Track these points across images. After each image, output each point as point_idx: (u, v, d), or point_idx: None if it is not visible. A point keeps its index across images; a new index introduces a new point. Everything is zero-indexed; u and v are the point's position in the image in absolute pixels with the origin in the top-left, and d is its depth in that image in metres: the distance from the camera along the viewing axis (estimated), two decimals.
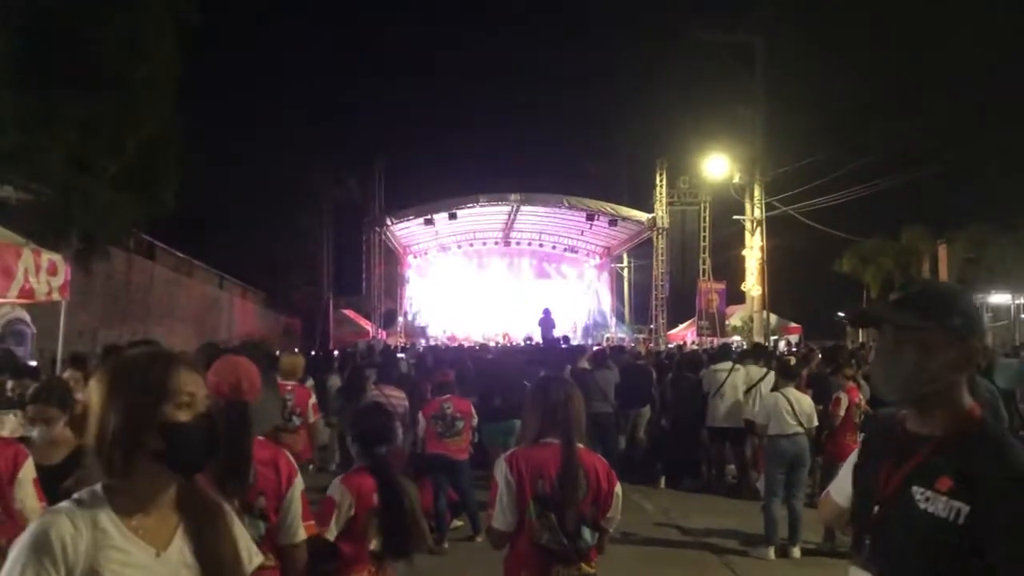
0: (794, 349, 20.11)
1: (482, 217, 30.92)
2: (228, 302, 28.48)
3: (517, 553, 3.33)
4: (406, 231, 30.56)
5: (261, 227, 30.45)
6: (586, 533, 3.27)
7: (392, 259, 32.01)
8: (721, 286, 27.28)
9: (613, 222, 29.47)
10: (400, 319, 32.30)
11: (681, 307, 28.76)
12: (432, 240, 32.38)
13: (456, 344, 25.13)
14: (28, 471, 3.67)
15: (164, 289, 20.89)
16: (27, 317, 10.01)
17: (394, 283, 32.69)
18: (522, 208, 29.84)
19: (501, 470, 3.34)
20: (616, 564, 4.97)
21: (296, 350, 12.42)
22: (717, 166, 25.43)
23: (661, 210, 28.05)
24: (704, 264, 27.70)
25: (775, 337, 25.67)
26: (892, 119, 31.26)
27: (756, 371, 10.37)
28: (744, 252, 24.91)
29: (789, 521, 7.59)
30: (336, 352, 18.75)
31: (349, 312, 31.56)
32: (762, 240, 24.21)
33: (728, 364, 10.62)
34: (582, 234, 33.13)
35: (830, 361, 10.56)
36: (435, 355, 15.14)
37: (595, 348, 15.09)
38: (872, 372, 2.12)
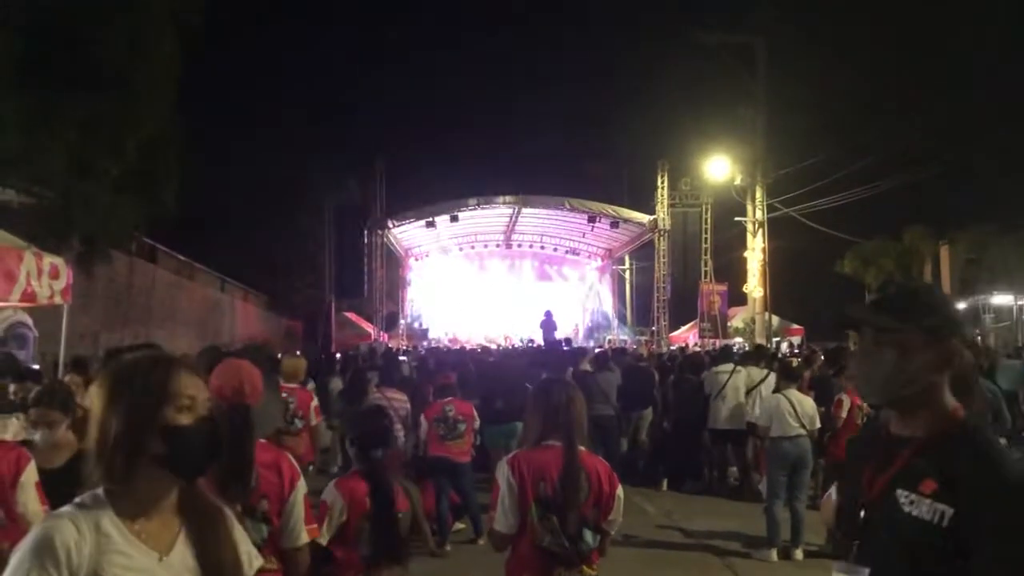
0: (796, 351, 20.08)
1: (483, 219, 30.94)
2: (230, 305, 28.46)
3: (519, 555, 3.33)
4: (407, 233, 30.57)
5: (262, 228, 30.45)
6: (588, 535, 3.27)
7: (393, 261, 32.01)
8: (723, 288, 27.27)
9: (615, 224, 29.47)
10: (402, 322, 32.31)
11: (683, 309, 28.75)
12: (433, 242, 32.39)
13: (458, 347, 25.14)
14: (30, 475, 3.67)
15: (166, 292, 20.89)
16: (29, 320, 10.02)
17: (396, 286, 32.70)
18: (523, 210, 29.85)
19: (503, 472, 3.34)
20: (618, 566, 4.97)
21: (299, 352, 12.40)
22: (718, 168, 25.45)
23: (663, 212, 28.05)
24: (706, 266, 27.68)
25: (777, 339, 25.65)
26: (893, 120, 31.23)
27: (757, 373, 10.36)
28: (746, 254, 24.91)
29: (791, 523, 7.57)
30: (338, 355, 18.75)
31: (351, 315, 31.54)
32: (764, 242, 24.21)
33: (729, 366, 10.61)
34: (583, 236, 33.13)
35: (832, 363, 10.55)
36: (437, 358, 15.15)
37: (597, 350, 15.10)
38: (853, 374, 2.12)
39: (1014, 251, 28.85)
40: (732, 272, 27.56)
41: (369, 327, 29.95)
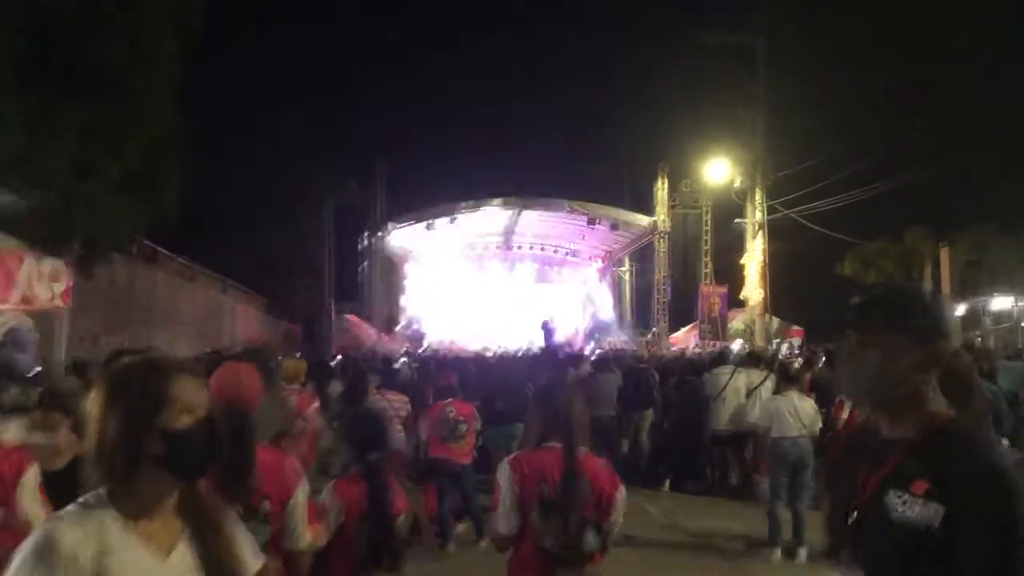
0: (796, 352, 20.07)
1: (483, 222, 30.93)
2: (231, 307, 28.46)
3: (521, 556, 3.33)
4: (407, 236, 30.58)
5: (262, 229, 30.43)
6: (589, 536, 3.27)
7: (393, 264, 32.01)
8: (723, 290, 27.25)
9: (614, 226, 29.47)
10: (401, 324, 32.30)
11: (683, 311, 28.76)
12: (433, 245, 32.39)
13: (457, 350, 25.12)
14: (32, 476, 3.66)
15: (166, 295, 20.88)
16: (29, 323, 10.02)
17: (395, 288, 32.69)
18: (523, 212, 29.87)
19: (504, 474, 3.34)
20: (620, 567, 4.96)
21: (298, 355, 12.40)
22: (718, 170, 25.45)
23: (662, 214, 28.05)
24: (706, 268, 27.68)
25: (777, 340, 25.61)
26: (893, 120, 31.26)
27: (757, 375, 10.36)
28: (746, 256, 24.91)
29: (793, 523, 7.58)
30: (339, 357, 18.74)
31: (351, 317, 31.55)
32: (764, 243, 24.20)
33: (729, 368, 10.61)
34: (583, 238, 33.11)
35: (833, 364, 10.54)
36: (438, 360, 15.15)
37: (597, 352, 15.10)
38: (837, 377, 2.10)
39: (1014, 252, 28.86)
40: (732, 274, 27.54)
41: (369, 329, 29.95)
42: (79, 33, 10.27)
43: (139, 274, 18.46)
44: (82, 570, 1.62)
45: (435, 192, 32.82)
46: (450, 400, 7.95)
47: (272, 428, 3.39)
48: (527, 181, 43.16)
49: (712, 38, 23.31)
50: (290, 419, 7.16)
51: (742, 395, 10.22)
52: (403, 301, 33.15)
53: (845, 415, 8.03)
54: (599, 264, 35.31)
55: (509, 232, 32.76)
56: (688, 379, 11.28)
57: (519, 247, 34.28)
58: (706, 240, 27.88)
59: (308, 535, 2.99)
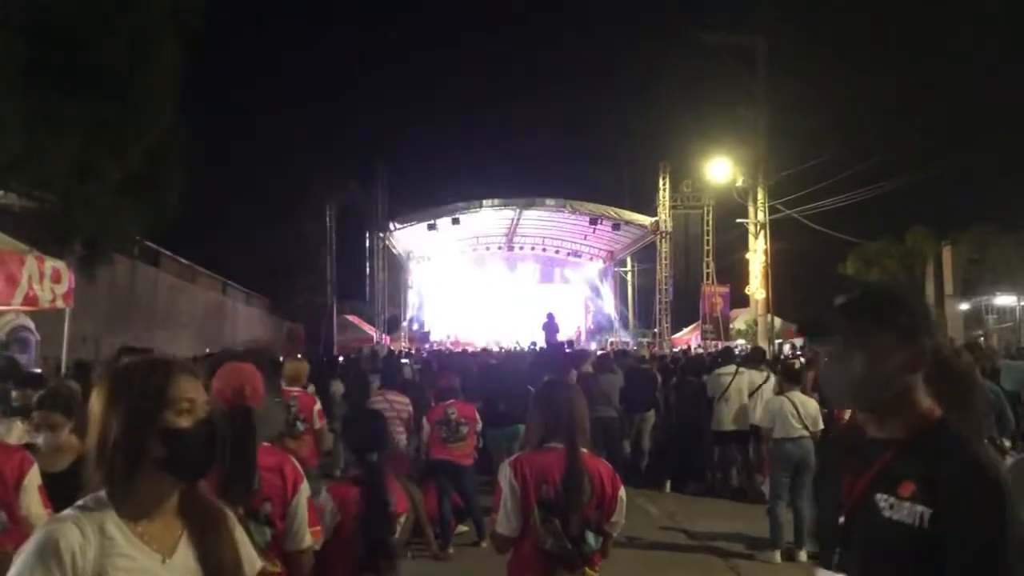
0: (798, 352, 20.05)
1: (485, 222, 30.96)
2: (232, 308, 28.51)
3: (521, 558, 3.32)
4: (409, 236, 30.59)
5: (263, 230, 30.49)
6: (590, 537, 3.27)
7: (395, 264, 32.03)
8: (725, 290, 27.25)
9: (616, 226, 29.46)
10: (404, 324, 32.30)
11: (685, 311, 28.75)
12: (435, 245, 32.40)
13: (460, 349, 25.13)
14: (33, 478, 3.66)
15: (168, 295, 20.92)
16: (31, 324, 10.02)
17: (398, 288, 32.71)
18: (525, 213, 29.88)
19: (505, 475, 3.34)
20: (621, 568, 4.96)
21: (300, 356, 12.41)
22: (720, 169, 25.44)
23: (664, 214, 28.05)
24: (708, 268, 27.68)
25: (779, 340, 25.62)
26: (894, 120, 31.24)
27: (758, 375, 10.35)
28: (748, 255, 24.89)
29: (794, 524, 7.56)
30: (341, 358, 18.76)
31: (353, 318, 31.56)
32: (766, 243, 24.19)
33: (732, 368, 10.60)
34: (585, 238, 33.14)
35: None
36: (439, 361, 15.14)
37: (599, 352, 15.08)
38: (822, 379, 2.07)
39: (1016, 251, 28.82)
40: (734, 274, 27.56)
41: (371, 330, 29.97)
42: (79, 33, 10.28)
43: (140, 275, 18.48)
44: (83, 571, 1.62)
45: (436, 192, 32.89)
46: (452, 401, 7.95)
47: (274, 429, 3.38)
48: (528, 181, 43.25)
49: (712, 38, 23.32)
50: (292, 420, 7.17)
51: (745, 395, 10.21)
52: (405, 302, 33.15)
53: (847, 415, 8.04)
54: (601, 264, 35.32)
55: (511, 232, 32.77)
56: (690, 379, 11.27)
57: (521, 247, 34.32)
58: (708, 240, 27.88)
59: (309, 536, 2.98)
